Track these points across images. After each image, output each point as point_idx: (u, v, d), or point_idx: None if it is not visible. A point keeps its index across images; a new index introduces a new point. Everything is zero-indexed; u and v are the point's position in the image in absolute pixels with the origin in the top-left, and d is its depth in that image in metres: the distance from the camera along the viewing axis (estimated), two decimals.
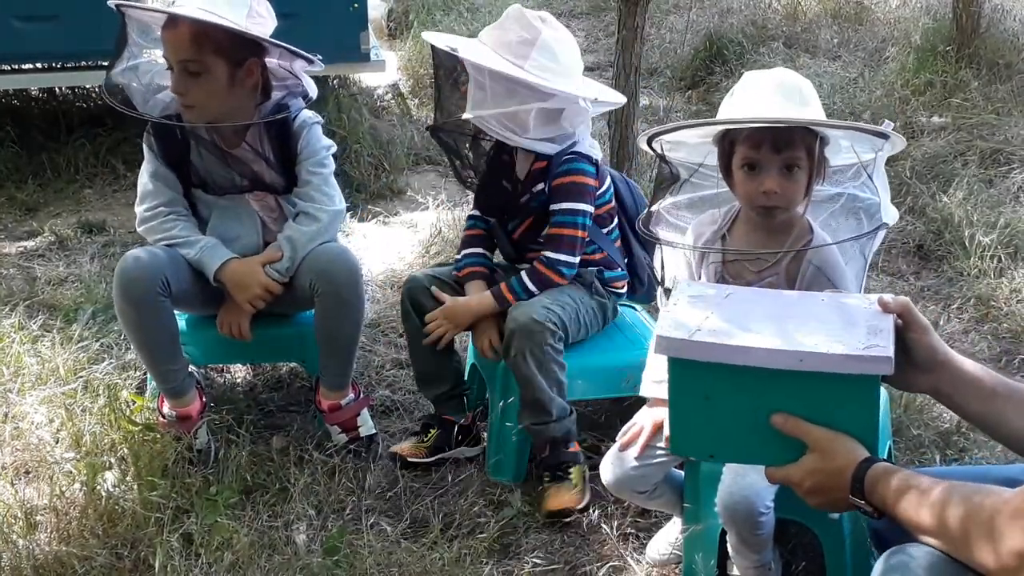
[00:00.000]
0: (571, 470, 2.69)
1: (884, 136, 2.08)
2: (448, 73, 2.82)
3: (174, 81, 2.67)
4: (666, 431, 1.83)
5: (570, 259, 2.72)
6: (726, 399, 1.65)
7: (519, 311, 2.64)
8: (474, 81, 2.65)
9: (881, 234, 2.19)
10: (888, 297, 1.70)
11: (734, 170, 2.20)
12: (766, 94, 2.16)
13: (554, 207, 2.73)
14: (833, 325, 1.66)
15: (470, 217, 2.97)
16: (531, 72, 2.62)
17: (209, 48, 2.65)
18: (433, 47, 2.83)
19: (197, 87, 2.67)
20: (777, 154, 2.13)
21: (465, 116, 2.69)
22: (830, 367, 1.58)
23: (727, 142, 2.20)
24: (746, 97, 2.19)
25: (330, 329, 2.82)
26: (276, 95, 2.82)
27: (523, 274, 2.74)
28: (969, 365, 1.72)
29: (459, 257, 2.90)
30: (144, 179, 2.85)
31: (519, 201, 2.79)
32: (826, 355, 1.58)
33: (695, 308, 1.72)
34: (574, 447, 2.75)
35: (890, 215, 2.15)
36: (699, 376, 1.64)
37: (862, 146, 2.14)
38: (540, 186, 2.75)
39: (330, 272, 2.75)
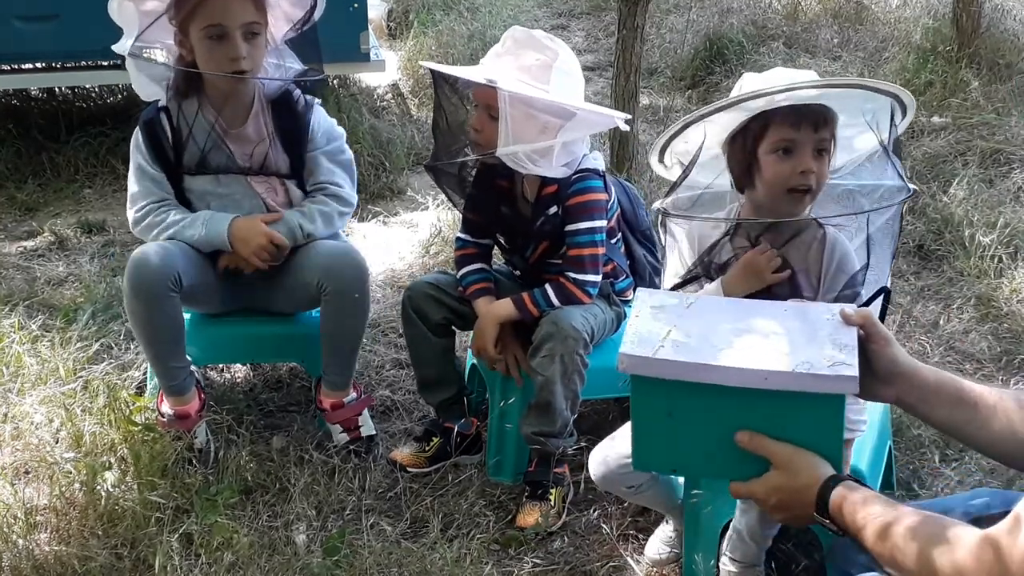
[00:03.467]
0: (552, 491, 2.69)
1: (904, 107, 2.08)
2: (455, 107, 2.74)
3: (234, 47, 2.65)
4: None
5: (595, 278, 2.69)
6: (689, 415, 1.63)
7: (557, 316, 2.62)
8: (509, 116, 2.53)
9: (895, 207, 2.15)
10: (851, 309, 1.68)
11: (761, 157, 2.14)
12: (782, 80, 2.13)
13: (571, 227, 2.68)
14: (797, 340, 1.63)
15: (459, 239, 2.91)
16: (556, 94, 2.58)
17: (262, 8, 2.71)
18: (441, 79, 2.73)
19: (254, 48, 2.70)
20: (815, 133, 2.10)
21: (500, 152, 2.55)
22: (795, 386, 1.56)
23: (757, 128, 2.13)
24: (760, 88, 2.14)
25: (336, 327, 2.82)
26: (272, 61, 2.83)
27: (548, 288, 2.69)
28: (931, 374, 1.72)
29: (460, 275, 2.85)
30: (131, 182, 2.84)
31: (534, 226, 2.74)
32: (791, 374, 1.56)
33: (657, 321, 1.69)
34: (562, 469, 2.75)
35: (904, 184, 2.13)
36: (662, 393, 1.62)
37: (874, 121, 2.13)
38: (553, 209, 2.70)
39: (337, 270, 2.76)
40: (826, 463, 1.59)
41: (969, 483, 2.69)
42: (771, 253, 2.19)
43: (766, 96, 2.09)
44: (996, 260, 3.88)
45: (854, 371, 1.56)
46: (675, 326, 1.67)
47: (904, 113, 2.12)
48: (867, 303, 2.15)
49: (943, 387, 1.71)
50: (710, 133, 2.21)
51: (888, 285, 2.19)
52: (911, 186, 2.09)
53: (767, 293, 2.21)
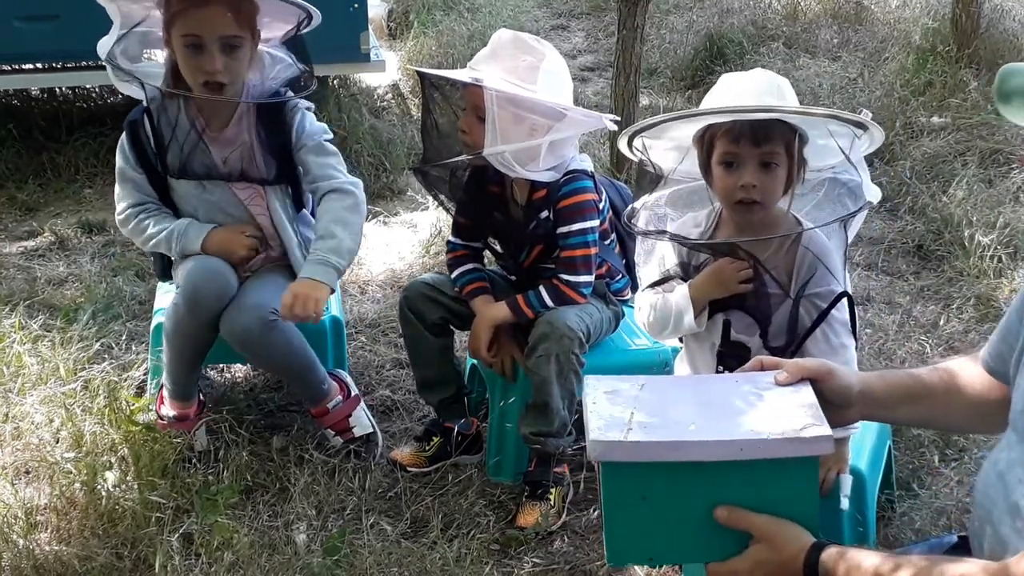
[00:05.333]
0: (551, 491, 2.70)
1: (863, 126, 2.09)
2: (444, 110, 2.72)
3: (210, 60, 2.60)
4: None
5: (588, 279, 2.68)
6: (664, 497, 1.58)
7: (553, 316, 2.62)
8: (496, 116, 2.52)
9: (863, 214, 2.18)
10: (780, 374, 1.67)
11: (713, 167, 2.19)
12: (745, 91, 2.16)
13: (563, 229, 2.67)
14: (760, 407, 1.62)
15: (450, 242, 2.90)
16: (543, 95, 2.58)
17: (246, 20, 2.65)
18: (428, 81, 2.73)
19: (233, 62, 2.64)
20: (756, 147, 2.13)
21: (486, 152, 2.54)
22: (771, 453, 1.54)
23: (707, 138, 2.19)
24: (724, 95, 2.19)
25: (268, 366, 2.85)
26: (267, 73, 2.78)
27: (542, 290, 2.69)
28: (881, 382, 1.74)
29: (454, 276, 2.83)
30: (116, 186, 2.85)
31: (526, 231, 2.74)
32: (766, 441, 1.54)
33: (615, 405, 1.64)
34: (562, 468, 2.75)
35: (872, 193, 2.15)
36: (635, 477, 1.57)
37: (841, 131, 2.14)
38: (545, 213, 2.69)
39: (229, 331, 2.72)
40: (806, 531, 1.56)
41: (969, 483, 2.69)
42: (739, 264, 2.22)
43: (693, 116, 2.14)
44: (996, 260, 3.88)
45: (827, 430, 1.55)
46: (635, 408, 1.63)
47: (862, 127, 2.12)
48: (827, 309, 2.18)
49: (895, 390, 1.73)
50: (684, 130, 2.23)
51: (848, 290, 2.21)
52: (868, 199, 2.12)
53: (734, 298, 2.24)
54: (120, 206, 2.83)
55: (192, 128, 2.73)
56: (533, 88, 2.57)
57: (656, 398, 1.68)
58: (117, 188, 2.84)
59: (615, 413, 1.62)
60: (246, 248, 2.79)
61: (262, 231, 2.84)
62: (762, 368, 1.72)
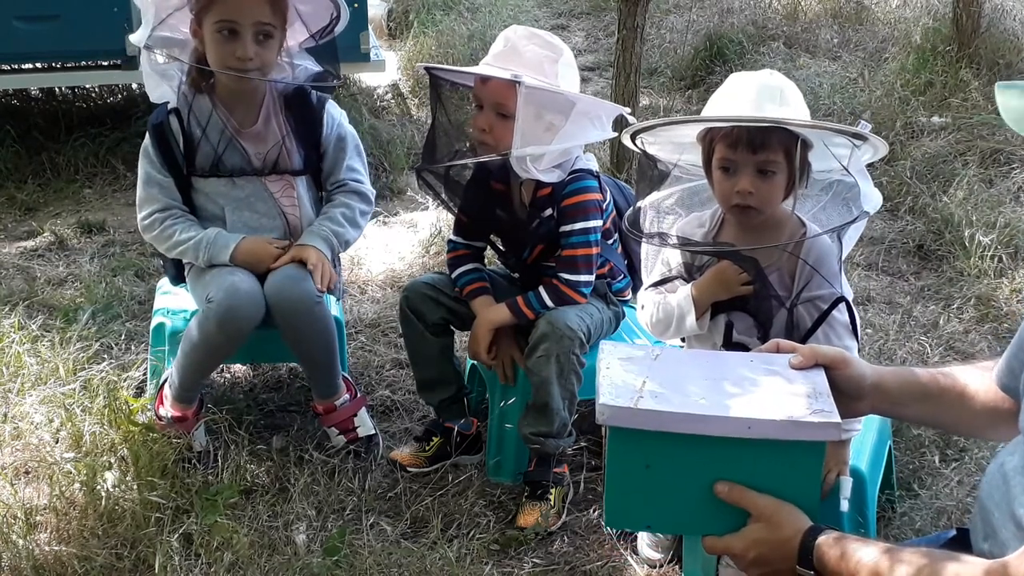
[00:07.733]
0: (551, 491, 2.69)
1: (862, 137, 2.08)
2: (456, 108, 2.72)
3: (243, 46, 2.65)
4: None
5: (588, 278, 2.68)
6: (667, 467, 1.59)
7: (553, 316, 2.62)
8: (532, 115, 2.53)
9: (863, 222, 2.19)
10: (795, 358, 1.67)
11: (713, 170, 2.21)
12: (747, 95, 2.16)
13: (565, 228, 2.67)
14: (772, 388, 1.62)
15: (451, 241, 2.89)
16: (568, 89, 2.59)
17: (279, 11, 2.70)
18: (436, 79, 2.72)
19: (265, 49, 2.69)
20: (753, 155, 2.13)
21: (518, 153, 2.52)
22: (778, 434, 1.55)
23: (708, 141, 2.20)
24: (727, 98, 2.20)
25: (299, 349, 2.84)
26: (292, 64, 2.83)
27: (541, 290, 2.69)
28: (894, 378, 1.73)
29: (455, 276, 2.83)
30: (139, 187, 2.85)
31: (529, 229, 2.73)
32: (774, 422, 1.54)
33: (628, 372, 1.66)
34: (562, 468, 2.75)
35: (871, 203, 2.15)
36: (641, 444, 1.58)
37: (842, 141, 2.14)
38: (548, 211, 2.69)
39: (280, 298, 2.72)
40: (804, 515, 1.57)
41: (969, 483, 2.69)
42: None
43: (695, 122, 2.16)
44: (996, 260, 3.88)
45: (835, 417, 1.55)
46: (648, 377, 1.64)
47: (861, 138, 2.12)
48: (824, 314, 2.19)
49: (907, 387, 1.73)
50: (684, 131, 2.24)
51: (846, 294, 2.21)
52: (866, 208, 2.12)
53: (736, 299, 2.25)
54: (144, 211, 2.82)
55: (224, 125, 2.75)
56: (556, 83, 2.58)
57: (670, 369, 1.69)
58: (141, 192, 2.83)
59: (627, 380, 1.63)
60: (273, 258, 2.77)
61: (289, 230, 2.86)
62: (778, 350, 1.72)
